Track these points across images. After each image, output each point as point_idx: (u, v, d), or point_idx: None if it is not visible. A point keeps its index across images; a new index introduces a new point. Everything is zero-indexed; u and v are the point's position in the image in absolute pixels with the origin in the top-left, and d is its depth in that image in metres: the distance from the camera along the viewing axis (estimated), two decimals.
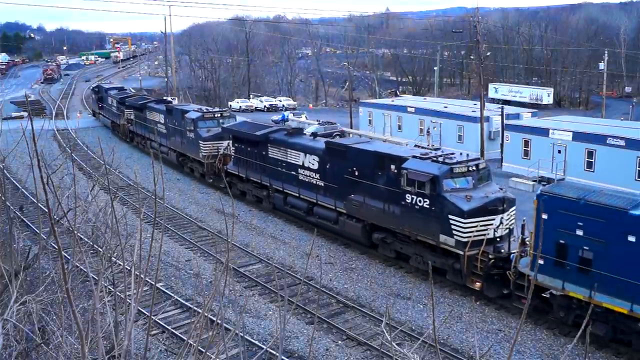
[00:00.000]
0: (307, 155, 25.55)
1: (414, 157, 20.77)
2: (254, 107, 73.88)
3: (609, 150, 32.10)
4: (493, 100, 67.31)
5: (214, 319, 7.96)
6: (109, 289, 8.11)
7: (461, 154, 21.33)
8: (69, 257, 9.53)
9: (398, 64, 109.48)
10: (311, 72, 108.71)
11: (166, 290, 19.46)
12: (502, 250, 18.42)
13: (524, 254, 17.85)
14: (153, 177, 5.72)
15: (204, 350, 6.17)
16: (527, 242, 17.86)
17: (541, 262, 16.72)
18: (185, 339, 7.48)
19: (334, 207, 24.15)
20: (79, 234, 8.07)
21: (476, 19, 44.33)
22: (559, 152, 34.82)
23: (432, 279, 19.03)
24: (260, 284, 20.46)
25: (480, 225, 18.60)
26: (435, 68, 77.29)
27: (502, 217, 19.01)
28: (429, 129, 46.09)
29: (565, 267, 16.45)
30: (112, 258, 8.10)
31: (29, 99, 67.89)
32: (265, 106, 73.84)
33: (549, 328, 17.09)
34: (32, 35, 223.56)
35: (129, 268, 6.32)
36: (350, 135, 49.89)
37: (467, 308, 18.52)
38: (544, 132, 35.98)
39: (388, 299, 19.28)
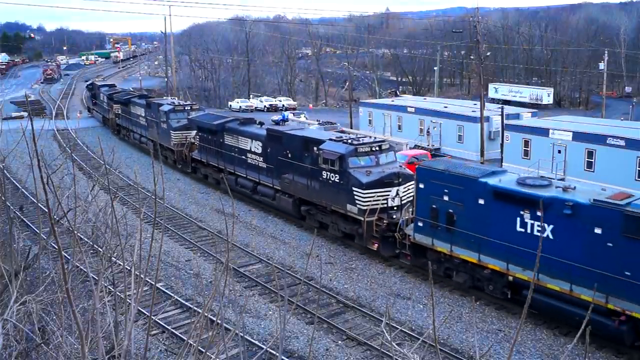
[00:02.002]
0: (254, 141, 29.09)
1: (330, 139, 24.46)
2: (254, 107, 73.78)
3: (609, 150, 32.08)
4: (493, 100, 67.28)
5: (214, 319, 7.97)
6: (109, 289, 8.10)
7: (370, 137, 25.56)
8: (69, 257, 9.53)
9: (398, 64, 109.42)
10: (311, 72, 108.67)
11: (166, 290, 19.46)
12: (395, 217, 21.73)
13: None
14: (153, 177, 5.72)
15: (204, 350, 6.17)
16: None
17: (421, 224, 20.24)
18: (185, 339, 7.49)
19: (272, 185, 27.77)
20: (79, 234, 8.07)
21: (476, 19, 44.35)
22: (559, 152, 34.81)
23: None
24: (260, 284, 20.45)
25: (378, 196, 21.99)
26: (435, 68, 77.29)
27: (398, 190, 22.28)
28: (429, 129, 46.08)
29: (437, 227, 19.69)
30: (112, 258, 8.09)
31: (29, 99, 67.95)
32: (265, 106, 73.73)
33: (549, 328, 17.09)
34: (32, 35, 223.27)
35: (129, 268, 6.32)
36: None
37: (467, 308, 18.52)
38: (544, 132, 35.95)
39: (388, 299, 19.28)
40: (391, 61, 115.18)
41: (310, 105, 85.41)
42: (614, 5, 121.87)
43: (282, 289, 18.41)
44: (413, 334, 16.67)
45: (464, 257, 18.93)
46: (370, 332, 16.98)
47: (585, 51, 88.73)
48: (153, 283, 6.77)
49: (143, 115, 42.50)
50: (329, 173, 23.49)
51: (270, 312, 18.35)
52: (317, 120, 51.55)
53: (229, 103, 76.86)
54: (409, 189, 22.34)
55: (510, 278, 17.62)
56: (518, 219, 17.14)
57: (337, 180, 23.09)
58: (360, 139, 24.21)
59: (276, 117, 56.87)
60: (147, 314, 16.08)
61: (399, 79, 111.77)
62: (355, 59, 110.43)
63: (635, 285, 14.71)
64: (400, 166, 23.74)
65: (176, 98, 62.85)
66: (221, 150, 31.73)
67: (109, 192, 7.18)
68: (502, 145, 39.55)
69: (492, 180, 18.22)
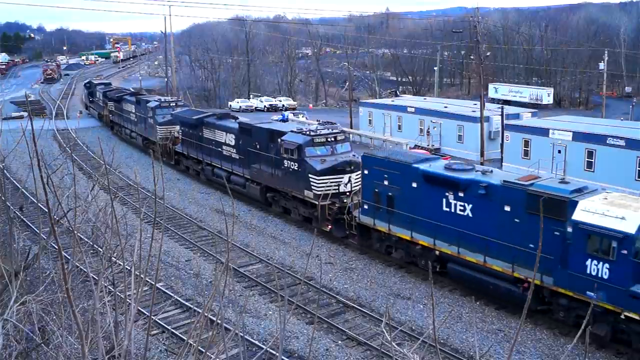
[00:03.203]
0: (228, 134, 31.21)
1: (291, 131, 26.62)
2: (254, 107, 73.78)
3: (609, 150, 32.07)
4: (493, 100, 67.20)
5: (214, 319, 7.95)
6: (109, 289, 8.09)
7: (328, 128, 28.56)
8: (69, 257, 9.52)
9: (398, 64, 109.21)
10: (311, 72, 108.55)
11: (166, 290, 19.45)
12: (345, 201, 23.75)
13: None
14: (153, 177, 5.71)
15: (204, 350, 6.16)
16: None
17: (366, 206, 22.34)
18: (185, 339, 7.48)
19: (242, 175, 29.96)
20: (79, 234, 8.06)
21: (476, 19, 44.34)
22: (559, 152, 34.81)
23: (419, 272, 19.24)
24: (260, 284, 20.46)
25: (330, 182, 24.19)
26: (435, 68, 77.21)
27: (350, 176, 24.40)
28: (429, 129, 46.07)
29: (378, 209, 21.75)
30: (112, 258, 8.08)
31: (29, 99, 67.91)
32: (265, 106, 73.72)
33: (549, 328, 17.10)
34: (32, 35, 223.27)
35: (129, 268, 6.31)
36: (351, 136, 49.94)
37: (467, 308, 18.51)
38: (544, 132, 35.95)
39: (388, 299, 19.28)
40: (391, 61, 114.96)
41: (310, 105, 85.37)
42: (614, 5, 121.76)
43: (282, 289, 18.41)
44: (413, 334, 16.67)
45: (399, 235, 21.13)
46: (370, 332, 16.98)
47: (585, 51, 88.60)
48: (153, 283, 6.77)
49: (133, 111, 44.68)
50: (289, 162, 25.67)
51: (270, 312, 18.34)
52: (317, 120, 51.52)
53: (229, 103, 76.83)
54: (360, 176, 23.81)
55: (437, 252, 19.75)
56: (444, 199, 19.41)
57: (296, 168, 25.30)
58: (316, 130, 26.50)
59: (276, 117, 56.86)
60: (147, 314, 16.05)
61: (399, 79, 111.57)
62: (355, 59, 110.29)
63: (536, 256, 15.58)
64: (354, 155, 25.42)
65: (169, 97, 63.10)
66: (200, 143, 34.05)
67: (109, 192, 7.17)
68: (502, 145, 39.55)
69: (423, 166, 20.44)
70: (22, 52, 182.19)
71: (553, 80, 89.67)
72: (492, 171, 19.38)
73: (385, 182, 21.45)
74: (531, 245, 16.64)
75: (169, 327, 16.86)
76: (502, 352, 15.92)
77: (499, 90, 76.55)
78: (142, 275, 6.16)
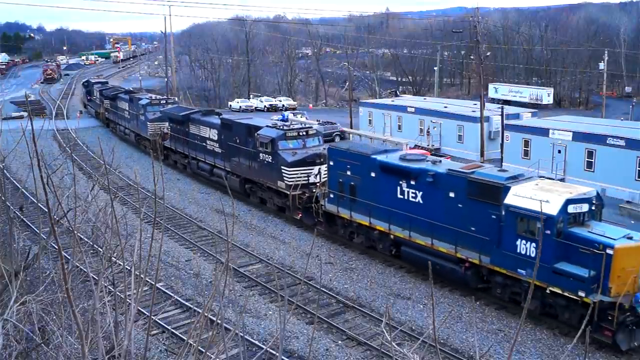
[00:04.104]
0: (211, 129, 32.82)
1: (267, 126, 28.48)
2: (254, 107, 73.70)
3: (609, 150, 32.06)
4: (493, 100, 67.18)
5: (214, 319, 7.95)
6: (109, 289, 8.08)
7: (300, 124, 31.08)
8: (69, 257, 9.51)
9: (398, 64, 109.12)
10: (311, 72, 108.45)
11: (166, 290, 19.45)
12: (314, 191, 25.01)
13: None
14: (153, 177, 5.71)
15: (204, 350, 6.16)
16: None
17: (332, 195, 23.93)
18: (185, 339, 7.47)
19: (224, 168, 31.60)
20: (79, 234, 8.05)
21: (476, 19, 44.32)
22: (559, 152, 34.80)
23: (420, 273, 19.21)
24: (260, 284, 20.46)
25: (301, 173, 25.82)
26: (435, 68, 77.15)
27: (319, 168, 25.79)
28: (428, 129, 46.05)
29: (342, 197, 23.30)
30: (112, 258, 8.07)
31: (29, 99, 67.85)
32: (265, 106, 73.65)
33: (549, 328, 17.10)
34: (32, 35, 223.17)
35: (129, 268, 6.31)
36: (351, 136, 49.93)
37: (467, 308, 18.52)
38: (544, 132, 35.94)
39: (388, 299, 19.28)
40: (391, 61, 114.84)
41: (310, 105, 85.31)
42: (614, 5, 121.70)
43: (282, 289, 18.41)
44: (413, 334, 16.67)
45: (359, 221, 22.67)
46: (370, 332, 16.99)
47: (585, 51, 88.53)
48: (153, 283, 6.77)
49: (127, 109, 46.54)
50: (264, 154, 27.38)
51: (270, 312, 18.34)
52: (317, 120, 51.47)
53: (229, 103, 76.76)
54: None
55: (392, 237, 21.36)
56: (398, 188, 20.94)
57: (270, 160, 26.96)
58: (289, 125, 28.62)
59: (276, 117, 56.77)
60: (147, 314, 16.04)
61: (399, 79, 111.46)
62: (355, 59, 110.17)
63: (476, 238, 18.08)
64: (324, 149, 26.51)
65: (176, 98, 63.00)
66: (187, 138, 35.76)
67: (109, 192, 7.17)
68: (502, 145, 39.51)
69: (380, 157, 21.99)
70: (22, 52, 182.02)
71: (553, 80, 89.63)
72: (441, 161, 21.18)
73: (348, 173, 23.00)
74: (472, 228, 18.31)
75: (169, 327, 16.86)
76: (502, 352, 15.93)
77: (499, 90, 76.54)
78: (142, 275, 6.17)
